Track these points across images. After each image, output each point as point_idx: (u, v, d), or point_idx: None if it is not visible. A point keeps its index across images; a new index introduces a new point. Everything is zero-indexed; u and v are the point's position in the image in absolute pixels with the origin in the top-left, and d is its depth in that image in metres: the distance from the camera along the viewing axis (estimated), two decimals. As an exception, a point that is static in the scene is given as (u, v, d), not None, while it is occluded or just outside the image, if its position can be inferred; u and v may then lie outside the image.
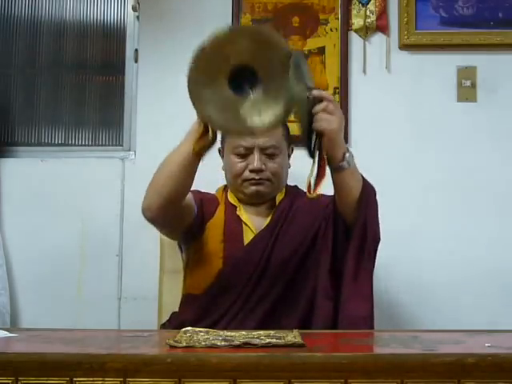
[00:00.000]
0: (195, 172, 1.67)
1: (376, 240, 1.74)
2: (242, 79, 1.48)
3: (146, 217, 1.75)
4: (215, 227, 1.85)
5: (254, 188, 1.87)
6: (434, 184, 2.46)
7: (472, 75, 2.49)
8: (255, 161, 1.85)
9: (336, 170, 1.62)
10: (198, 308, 1.78)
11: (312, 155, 1.51)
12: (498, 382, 1.09)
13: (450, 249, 2.43)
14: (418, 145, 2.48)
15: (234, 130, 1.58)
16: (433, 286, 2.41)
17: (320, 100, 1.51)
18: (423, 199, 2.46)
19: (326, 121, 1.51)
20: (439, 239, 2.44)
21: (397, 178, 2.47)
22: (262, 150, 1.86)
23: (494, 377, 1.08)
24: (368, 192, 1.70)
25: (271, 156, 1.87)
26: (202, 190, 1.95)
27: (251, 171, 1.86)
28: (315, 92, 1.51)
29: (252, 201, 1.89)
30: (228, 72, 1.48)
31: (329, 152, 1.56)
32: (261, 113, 1.48)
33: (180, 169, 1.65)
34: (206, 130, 1.58)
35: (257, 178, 1.86)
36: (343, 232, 1.75)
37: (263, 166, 1.85)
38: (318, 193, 1.51)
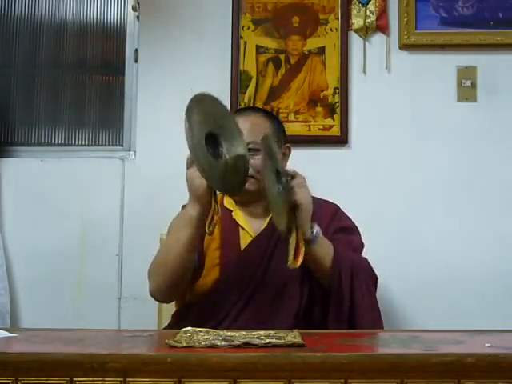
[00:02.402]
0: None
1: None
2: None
3: (155, 299, 1.82)
4: (212, 237, 1.83)
5: None
6: (434, 184, 2.46)
7: (472, 75, 2.49)
8: None
9: (308, 243, 1.65)
10: (195, 316, 1.76)
11: (289, 229, 1.60)
12: (497, 381, 1.09)
13: (450, 248, 2.43)
14: (418, 145, 2.48)
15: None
16: (433, 286, 2.41)
17: (293, 176, 1.63)
18: (423, 199, 2.46)
19: (303, 194, 1.62)
20: (439, 239, 2.44)
21: (397, 178, 2.47)
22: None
23: (494, 377, 1.08)
24: (340, 265, 1.72)
25: (254, 152, 1.84)
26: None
27: None
28: (289, 171, 1.64)
29: (243, 199, 1.88)
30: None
31: (302, 224, 1.62)
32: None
33: (186, 251, 1.69)
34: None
35: None
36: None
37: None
38: (299, 262, 1.57)
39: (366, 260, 1.83)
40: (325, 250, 1.70)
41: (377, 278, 1.84)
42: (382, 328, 1.76)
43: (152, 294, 1.78)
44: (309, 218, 1.64)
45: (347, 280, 1.71)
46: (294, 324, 1.71)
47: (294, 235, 1.58)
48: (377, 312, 1.78)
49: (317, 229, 1.67)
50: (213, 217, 1.62)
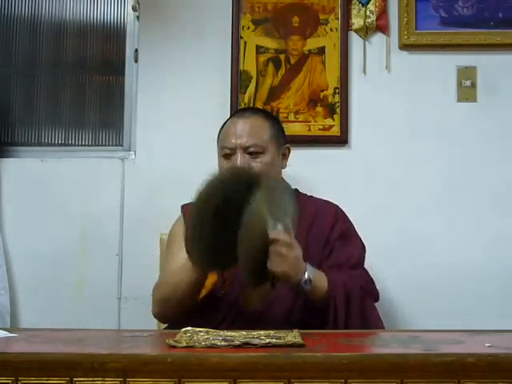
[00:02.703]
0: None
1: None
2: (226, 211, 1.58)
3: (157, 319, 1.89)
4: None
5: None
6: (433, 183, 2.46)
7: (472, 75, 2.49)
8: (237, 160, 1.86)
9: (297, 290, 1.68)
10: (193, 319, 1.76)
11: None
12: (497, 381, 1.08)
13: (450, 249, 2.43)
14: (417, 145, 2.48)
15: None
16: (433, 286, 2.41)
17: (273, 241, 1.55)
18: (423, 199, 2.46)
19: (277, 264, 1.56)
20: (439, 239, 2.44)
21: (396, 178, 2.47)
22: (244, 149, 1.87)
23: (494, 377, 1.08)
24: (335, 295, 1.71)
25: (255, 155, 1.87)
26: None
27: None
28: (271, 234, 1.55)
29: None
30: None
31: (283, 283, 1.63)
32: None
33: (192, 293, 1.75)
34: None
35: None
36: None
37: (246, 166, 1.85)
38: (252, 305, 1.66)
39: (364, 276, 1.83)
40: (318, 288, 1.68)
41: (377, 293, 1.84)
42: None
43: (155, 316, 1.84)
44: (290, 279, 1.61)
45: (342, 309, 1.71)
46: (292, 325, 1.71)
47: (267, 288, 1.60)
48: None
49: (306, 277, 1.64)
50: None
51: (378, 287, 1.89)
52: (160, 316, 1.83)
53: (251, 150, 1.86)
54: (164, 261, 2.03)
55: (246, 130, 1.85)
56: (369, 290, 1.82)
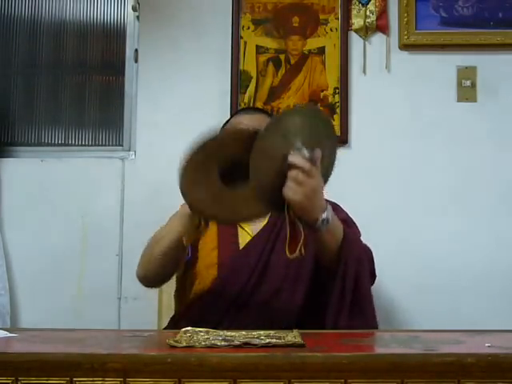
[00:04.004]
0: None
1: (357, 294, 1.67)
2: (234, 172, 1.50)
3: (142, 284, 1.85)
4: (208, 235, 1.82)
5: None
6: (433, 184, 2.47)
7: (472, 75, 2.49)
8: None
9: (311, 231, 1.56)
10: (193, 316, 1.76)
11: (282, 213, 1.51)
12: (497, 381, 1.08)
13: (450, 248, 2.43)
14: (417, 145, 2.48)
15: (227, 220, 1.61)
16: (433, 286, 2.41)
17: (293, 167, 1.47)
18: (423, 199, 2.46)
19: (292, 191, 1.47)
20: (439, 238, 2.44)
21: (396, 178, 2.47)
22: None
23: (494, 377, 1.08)
24: (347, 253, 1.64)
25: None
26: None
27: None
28: (290, 158, 1.46)
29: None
30: (217, 169, 1.50)
31: (299, 216, 1.52)
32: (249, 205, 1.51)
33: (173, 252, 1.69)
34: (199, 223, 1.60)
35: None
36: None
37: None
38: (297, 253, 1.48)
39: (370, 253, 1.82)
40: (333, 235, 1.61)
41: (375, 276, 1.83)
42: (377, 324, 1.73)
43: (139, 279, 1.83)
44: (302, 213, 1.51)
45: (352, 271, 1.64)
46: (293, 323, 1.71)
47: (288, 224, 1.48)
48: (372, 306, 1.75)
49: (325, 216, 1.54)
50: (196, 230, 1.61)
51: (378, 287, 1.89)
52: (142, 277, 1.81)
53: None
54: None
55: (255, 125, 1.84)
56: (371, 268, 1.80)
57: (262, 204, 1.50)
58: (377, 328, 1.70)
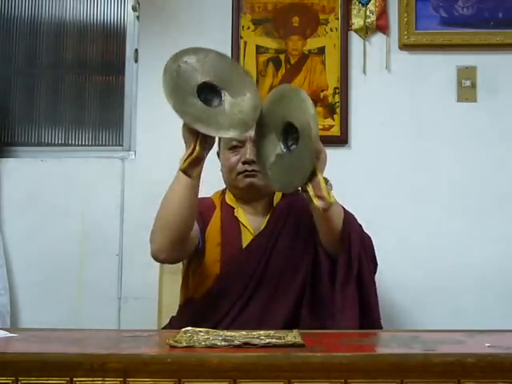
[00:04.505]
0: (197, 200, 1.71)
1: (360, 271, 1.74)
2: (209, 93, 1.69)
3: (157, 260, 1.75)
4: (212, 232, 1.84)
5: (247, 180, 1.84)
6: (433, 184, 2.46)
7: (472, 75, 2.49)
8: (247, 153, 1.84)
9: (317, 209, 1.64)
10: (195, 314, 1.76)
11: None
12: (497, 381, 1.09)
13: (450, 248, 2.43)
14: (418, 145, 2.48)
15: (217, 129, 1.68)
16: (433, 286, 2.41)
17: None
18: (423, 199, 2.46)
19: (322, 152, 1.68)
20: (439, 238, 2.44)
21: (396, 178, 2.47)
22: (254, 141, 1.82)
23: (494, 377, 1.08)
24: (350, 228, 1.74)
25: None
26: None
27: (244, 163, 1.84)
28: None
29: (248, 196, 1.88)
30: (195, 91, 1.68)
31: (322, 170, 1.66)
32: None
33: (182, 204, 1.67)
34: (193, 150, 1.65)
35: (249, 169, 1.83)
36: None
37: (255, 158, 1.80)
38: (327, 201, 1.61)
39: (370, 239, 1.84)
40: (335, 208, 1.69)
41: (376, 263, 1.85)
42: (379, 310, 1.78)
43: (154, 255, 1.71)
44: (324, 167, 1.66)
45: (357, 245, 1.73)
46: (294, 321, 1.72)
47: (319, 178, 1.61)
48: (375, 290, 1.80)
49: (329, 181, 1.65)
50: (190, 154, 1.62)
51: (378, 287, 1.88)
52: (158, 250, 1.70)
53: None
54: None
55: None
56: (371, 254, 1.83)
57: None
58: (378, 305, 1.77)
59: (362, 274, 1.73)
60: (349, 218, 1.76)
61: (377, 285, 1.86)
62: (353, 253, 1.71)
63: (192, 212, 1.69)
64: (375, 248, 1.85)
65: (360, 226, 1.84)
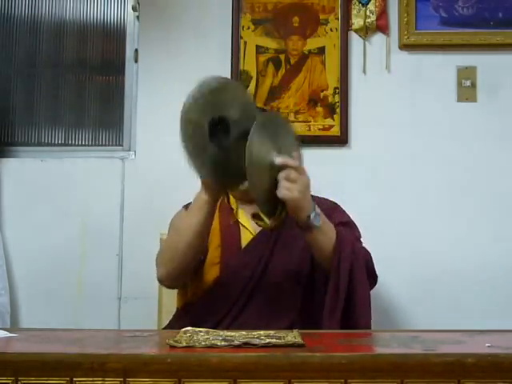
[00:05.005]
0: (209, 234, 1.74)
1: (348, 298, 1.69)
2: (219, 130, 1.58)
3: (162, 284, 1.83)
4: (212, 234, 1.83)
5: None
6: (433, 183, 2.46)
7: (472, 75, 2.49)
8: None
9: (303, 231, 1.64)
10: (195, 316, 1.76)
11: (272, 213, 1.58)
12: (497, 381, 1.08)
13: (450, 248, 2.43)
14: (417, 145, 2.48)
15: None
16: (433, 287, 2.41)
17: (283, 167, 1.54)
18: (423, 198, 2.46)
19: (287, 189, 1.54)
20: (439, 239, 2.44)
21: (396, 178, 2.47)
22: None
23: (494, 377, 1.08)
24: (341, 249, 1.68)
25: None
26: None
27: None
28: (278, 160, 1.54)
29: (248, 197, 1.87)
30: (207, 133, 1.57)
31: (292, 215, 1.60)
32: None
33: (196, 239, 1.70)
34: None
35: None
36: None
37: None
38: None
39: (368, 254, 1.81)
40: (324, 235, 1.66)
41: (376, 277, 1.83)
42: (370, 324, 1.73)
43: (160, 280, 1.78)
44: (296, 211, 1.58)
45: (346, 267, 1.67)
46: (294, 321, 1.72)
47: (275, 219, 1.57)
48: (369, 306, 1.75)
49: (314, 214, 1.60)
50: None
51: (378, 287, 1.89)
52: (165, 276, 1.76)
53: None
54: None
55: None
56: (370, 268, 1.81)
57: (262, 208, 1.58)
58: (369, 327, 1.71)
59: (354, 295, 1.68)
60: (341, 239, 1.69)
61: (377, 285, 1.86)
62: (342, 279, 1.66)
63: (203, 246, 1.74)
64: (375, 248, 1.84)
65: (358, 238, 1.83)
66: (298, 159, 1.57)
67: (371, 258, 1.81)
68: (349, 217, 1.93)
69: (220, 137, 1.56)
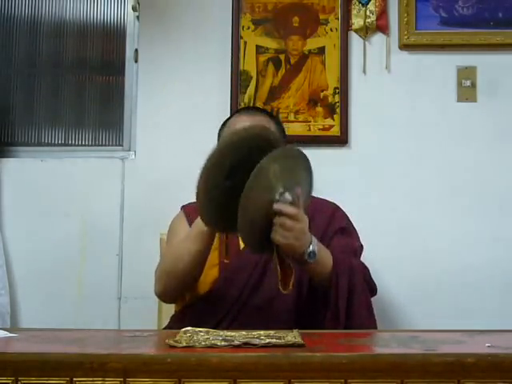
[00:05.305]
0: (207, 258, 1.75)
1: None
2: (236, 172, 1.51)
3: (160, 299, 1.89)
4: None
5: None
6: (433, 184, 2.46)
7: (472, 75, 2.49)
8: None
9: (300, 265, 1.63)
10: (193, 317, 1.76)
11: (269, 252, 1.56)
12: (497, 381, 1.08)
13: (450, 248, 2.43)
14: (417, 145, 2.48)
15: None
16: (433, 286, 2.41)
17: (279, 214, 1.50)
18: (423, 199, 2.46)
19: (281, 236, 1.51)
20: (439, 239, 2.44)
21: (396, 178, 2.47)
22: None
23: (494, 377, 1.08)
24: (337, 268, 1.69)
25: None
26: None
27: None
28: (275, 206, 1.50)
29: None
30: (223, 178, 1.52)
31: (286, 255, 1.57)
32: None
33: (196, 264, 1.72)
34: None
35: None
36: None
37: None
38: (290, 288, 1.54)
39: (364, 268, 1.81)
40: (322, 265, 1.66)
41: (376, 288, 1.83)
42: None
43: (158, 296, 1.83)
44: (289, 254, 1.56)
45: (344, 287, 1.68)
46: (294, 321, 1.71)
47: (276, 262, 1.53)
48: (372, 317, 1.76)
49: (311, 249, 1.58)
50: (226, 246, 1.68)
51: (377, 286, 1.89)
52: (162, 293, 1.80)
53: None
54: (164, 250, 2.03)
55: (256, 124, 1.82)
56: (368, 281, 1.81)
57: (250, 248, 1.58)
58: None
59: (352, 318, 1.68)
60: (336, 263, 1.69)
61: (377, 285, 1.87)
62: (340, 304, 1.67)
63: (202, 270, 1.75)
64: (375, 248, 1.85)
65: (355, 250, 1.84)
66: (301, 198, 1.52)
67: (368, 271, 1.82)
68: (348, 219, 1.93)
69: (237, 178, 1.49)
